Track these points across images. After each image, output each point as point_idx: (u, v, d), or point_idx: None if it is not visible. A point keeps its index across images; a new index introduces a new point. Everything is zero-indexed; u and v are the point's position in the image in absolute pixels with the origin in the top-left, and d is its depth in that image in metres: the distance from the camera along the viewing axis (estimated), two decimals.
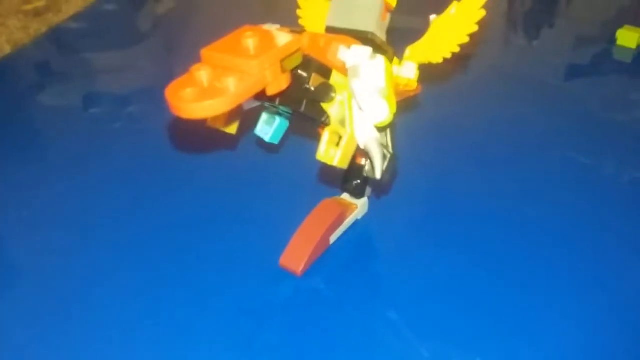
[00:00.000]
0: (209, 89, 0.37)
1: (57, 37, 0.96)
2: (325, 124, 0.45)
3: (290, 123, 0.52)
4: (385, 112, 0.42)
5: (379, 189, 0.60)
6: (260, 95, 0.40)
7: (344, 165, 0.44)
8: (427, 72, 0.49)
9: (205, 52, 0.40)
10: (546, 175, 0.63)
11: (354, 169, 0.54)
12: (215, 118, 0.48)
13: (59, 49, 0.94)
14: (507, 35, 0.97)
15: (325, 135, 0.44)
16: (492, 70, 0.84)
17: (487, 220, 0.58)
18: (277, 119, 0.51)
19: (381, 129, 0.46)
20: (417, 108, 0.69)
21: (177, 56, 0.92)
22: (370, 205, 0.58)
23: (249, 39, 0.39)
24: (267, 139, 0.52)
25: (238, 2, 1.06)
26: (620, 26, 0.89)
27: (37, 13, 1.03)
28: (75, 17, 1.02)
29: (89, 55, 0.91)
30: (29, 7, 1.05)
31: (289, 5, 0.57)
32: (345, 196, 0.57)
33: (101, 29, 1.00)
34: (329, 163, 0.43)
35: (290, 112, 0.47)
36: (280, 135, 0.52)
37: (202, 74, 0.37)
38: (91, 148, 0.70)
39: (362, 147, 0.45)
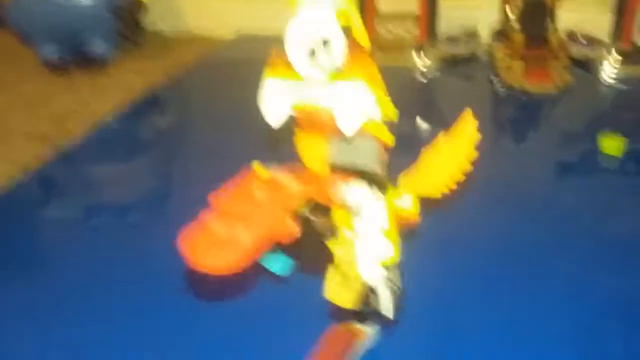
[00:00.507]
0: (226, 241, 0.38)
1: (61, 154, 1.00)
2: (331, 262, 0.46)
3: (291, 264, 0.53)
4: (389, 251, 0.44)
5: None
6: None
7: (351, 305, 0.45)
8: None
9: (214, 199, 0.41)
10: (550, 294, 0.64)
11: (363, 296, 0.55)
12: None
13: (63, 165, 0.97)
14: (493, 141, 1.00)
15: (331, 274, 0.45)
16: (480, 179, 0.86)
17: (497, 337, 0.58)
18: (276, 261, 0.53)
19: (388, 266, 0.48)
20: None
21: (178, 167, 0.97)
22: (379, 331, 0.59)
23: (260, 189, 0.41)
24: (276, 271, 0.53)
25: (236, 120, 1.10)
26: (603, 132, 0.92)
27: (44, 137, 1.06)
28: (79, 135, 1.06)
29: (91, 169, 0.96)
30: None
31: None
32: (355, 322, 0.58)
33: (103, 142, 1.04)
34: (337, 303, 0.44)
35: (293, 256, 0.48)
36: (288, 267, 0.54)
37: (214, 224, 0.39)
38: (93, 257, 0.72)
39: (368, 285, 0.46)
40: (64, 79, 1.35)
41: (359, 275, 0.45)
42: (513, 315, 0.61)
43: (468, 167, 0.48)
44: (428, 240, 0.72)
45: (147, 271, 0.69)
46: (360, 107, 0.43)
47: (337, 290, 0.45)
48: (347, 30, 0.44)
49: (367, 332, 0.57)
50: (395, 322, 0.58)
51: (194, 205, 0.43)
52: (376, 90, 0.44)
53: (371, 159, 0.49)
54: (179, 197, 0.87)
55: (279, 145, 0.84)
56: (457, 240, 0.74)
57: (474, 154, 0.47)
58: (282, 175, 0.46)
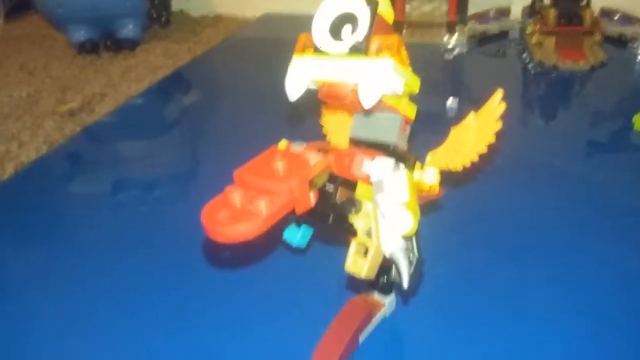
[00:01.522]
0: (242, 211, 0.39)
1: (89, 133, 1.01)
2: (352, 234, 0.46)
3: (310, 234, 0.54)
4: (410, 224, 0.43)
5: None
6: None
7: (372, 276, 0.45)
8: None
9: (237, 174, 0.42)
10: (572, 268, 0.64)
11: (381, 267, 0.55)
12: None
13: (91, 143, 0.99)
14: (523, 119, 0.99)
15: (352, 246, 0.45)
16: (511, 158, 0.85)
17: (517, 315, 0.58)
18: (296, 231, 0.53)
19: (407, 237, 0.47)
20: (436, 202, 0.71)
21: (203, 144, 0.98)
22: (397, 302, 0.59)
23: (279, 161, 0.41)
24: (294, 243, 0.54)
25: (261, 99, 1.10)
26: (636, 111, 0.90)
27: (72, 114, 1.08)
28: (107, 114, 1.07)
29: (118, 146, 0.97)
30: (63, 108, 1.10)
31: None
32: (373, 293, 0.58)
33: (130, 121, 1.06)
34: (357, 275, 0.44)
35: (313, 226, 0.49)
36: (307, 239, 0.54)
37: (235, 196, 0.40)
38: (119, 231, 0.74)
39: (388, 257, 0.46)
40: (94, 62, 1.37)
41: (378, 247, 0.45)
42: (540, 291, 0.60)
43: (493, 141, 0.47)
44: (455, 214, 0.72)
45: (171, 245, 0.70)
46: (382, 82, 0.43)
47: (357, 262, 0.45)
48: (373, 6, 0.44)
49: (385, 304, 0.58)
50: (412, 293, 0.58)
51: (218, 180, 0.43)
52: (400, 65, 0.44)
53: (393, 133, 0.48)
54: (204, 173, 0.88)
55: (300, 120, 0.85)
56: (484, 215, 0.73)
57: (499, 128, 0.46)
58: (303, 150, 0.46)
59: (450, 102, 0.95)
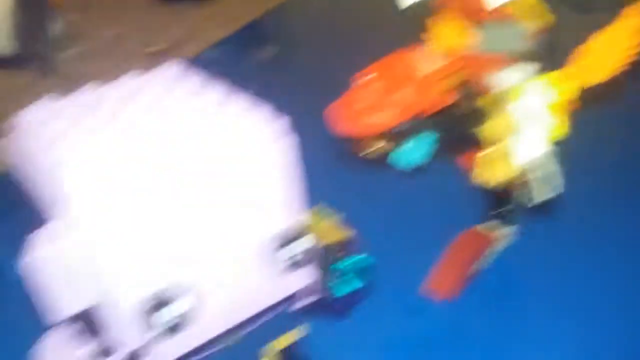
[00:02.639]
0: (376, 105, 0.37)
1: None
2: (481, 144, 0.44)
3: (434, 147, 0.51)
4: (544, 134, 0.41)
5: (531, 213, 0.58)
6: (417, 116, 0.41)
7: (501, 186, 0.43)
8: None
9: (368, 72, 0.40)
10: None
11: (502, 196, 0.53)
12: (369, 142, 0.49)
13: None
14: None
15: (483, 154, 0.43)
16: None
17: None
18: (420, 144, 0.51)
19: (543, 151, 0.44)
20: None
21: (277, 100, 0.94)
22: (514, 235, 0.56)
23: (412, 59, 0.40)
24: (409, 163, 0.52)
25: (340, 48, 1.07)
26: None
27: (160, 55, 1.08)
28: (192, 59, 1.07)
29: None
30: (152, 49, 1.11)
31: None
32: (491, 224, 0.55)
33: (209, 68, 1.04)
34: (487, 183, 0.42)
35: (439, 135, 0.46)
36: (423, 160, 0.52)
37: (367, 91, 0.38)
38: None
39: (521, 167, 0.44)
40: (173, 10, 1.37)
41: (512, 156, 0.42)
42: None
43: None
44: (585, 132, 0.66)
45: None
46: None
47: (487, 170, 0.42)
48: None
49: (500, 236, 0.55)
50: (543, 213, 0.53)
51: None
52: None
53: (522, 42, 0.45)
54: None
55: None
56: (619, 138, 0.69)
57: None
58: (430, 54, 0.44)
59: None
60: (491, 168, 0.43)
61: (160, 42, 1.16)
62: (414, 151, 0.50)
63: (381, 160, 0.52)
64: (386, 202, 0.64)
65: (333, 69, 0.98)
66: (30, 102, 0.34)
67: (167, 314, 0.30)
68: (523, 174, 0.44)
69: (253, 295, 0.33)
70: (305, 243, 0.33)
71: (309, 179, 0.33)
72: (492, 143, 0.43)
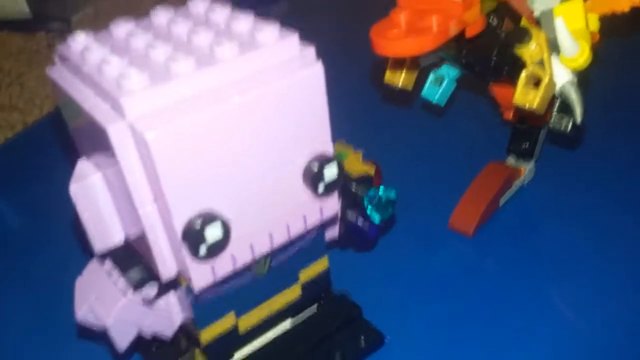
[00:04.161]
0: (413, 28, 0.37)
1: None
2: (514, 71, 0.44)
3: (458, 84, 0.52)
4: (580, 51, 0.41)
5: (562, 142, 0.58)
6: (453, 41, 0.40)
7: (542, 110, 0.43)
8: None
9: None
10: None
11: (523, 131, 0.53)
12: (395, 73, 0.49)
13: None
14: None
15: (522, 77, 0.43)
16: None
17: None
18: (445, 80, 0.52)
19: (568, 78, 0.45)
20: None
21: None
22: (536, 171, 0.57)
23: None
24: (434, 100, 0.52)
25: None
26: None
27: None
28: None
29: None
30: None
31: None
32: (511, 160, 0.56)
33: None
34: (528, 106, 0.42)
35: (472, 63, 0.46)
36: (447, 97, 0.52)
37: (404, 15, 0.38)
38: None
39: (558, 91, 0.44)
40: None
41: (552, 77, 0.42)
42: None
43: None
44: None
45: None
46: None
47: (528, 93, 0.42)
48: None
49: (525, 170, 0.56)
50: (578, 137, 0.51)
51: None
52: None
53: None
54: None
55: None
56: None
57: None
58: None
59: None
60: (531, 89, 0.43)
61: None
62: (434, 89, 0.51)
63: (405, 95, 0.52)
64: (409, 137, 0.64)
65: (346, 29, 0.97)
66: (47, 65, 0.34)
67: (206, 238, 0.30)
68: (555, 99, 0.44)
69: (287, 221, 0.34)
70: (335, 170, 0.33)
71: (334, 114, 0.33)
72: (532, 65, 0.43)
